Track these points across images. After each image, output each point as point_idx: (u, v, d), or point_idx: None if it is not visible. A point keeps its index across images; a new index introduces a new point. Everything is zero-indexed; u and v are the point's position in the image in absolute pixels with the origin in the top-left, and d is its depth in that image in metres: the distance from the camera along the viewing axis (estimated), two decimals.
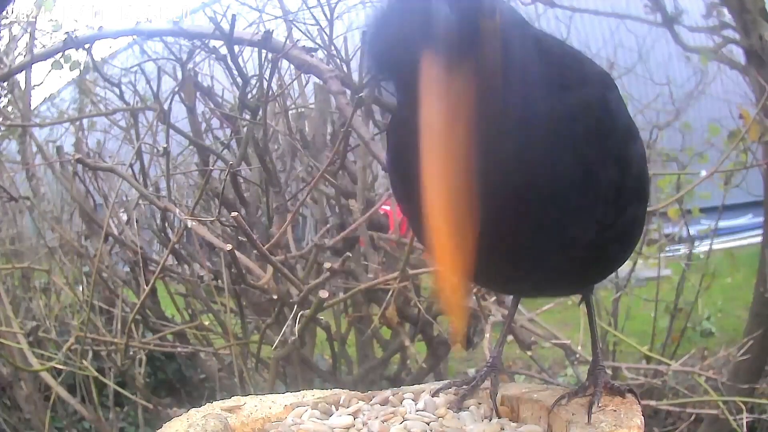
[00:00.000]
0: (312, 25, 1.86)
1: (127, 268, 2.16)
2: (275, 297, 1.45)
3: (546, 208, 0.55)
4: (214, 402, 0.70)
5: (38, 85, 2.64)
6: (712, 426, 2.14)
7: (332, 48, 1.82)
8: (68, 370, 1.86)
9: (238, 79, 1.67)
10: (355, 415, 0.67)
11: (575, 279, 0.66)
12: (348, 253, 1.17)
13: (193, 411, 0.68)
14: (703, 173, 1.92)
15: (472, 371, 2.52)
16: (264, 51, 1.54)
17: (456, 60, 0.48)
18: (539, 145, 0.53)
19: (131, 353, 1.95)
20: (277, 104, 1.86)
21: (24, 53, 2.49)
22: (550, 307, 1.82)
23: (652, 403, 1.88)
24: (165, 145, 1.50)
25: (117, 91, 2.05)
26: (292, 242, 1.69)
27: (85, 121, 2.45)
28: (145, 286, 1.56)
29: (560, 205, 0.55)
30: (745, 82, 2.31)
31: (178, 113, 1.88)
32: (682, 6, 2.41)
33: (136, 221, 2.02)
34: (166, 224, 1.94)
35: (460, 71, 0.48)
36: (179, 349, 1.95)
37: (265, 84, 1.61)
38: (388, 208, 1.95)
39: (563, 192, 0.55)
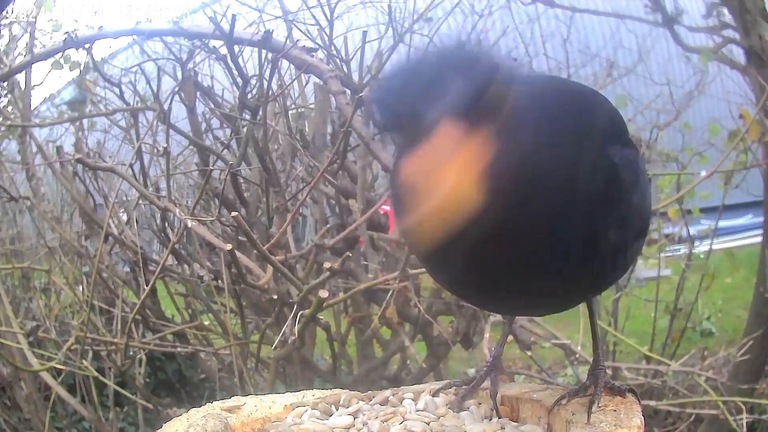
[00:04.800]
0: (312, 25, 1.86)
1: (127, 268, 2.16)
2: (275, 297, 1.45)
3: (545, 264, 0.56)
4: (214, 402, 0.70)
5: (38, 85, 2.65)
6: (712, 426, 2.14)
7: (332, 48, 1.82)
8: (68, 370, 1.86)
9: (238, 79, 1.67)
10: (355, 415, 0.67)
11: (571, 301, 0.67)
12: (348, 253, 1.16)
13: (193, 411, 0.68)
14: (703, 173, 1.92)
15: (472, 371, 2.52)
16: (264, 51, 1.54)
17: (470, 124, 0.49)
18: (542, 210, 0.53)
19: (131, 353, 1.95)
20: (277, 104, 1.86)
21: (24, 53, 2.49)
22: None
23: (652, 403, 1.89)
24: (165, 145, 1.50)
25: (117, 91, 2.05)
26: (292, 242, 1.69)
27: (85, 121, 2.45)
28: (145, 286, 1.56)
29: (558, 262, 0.56)
30: (745, 82, 2.31)
31: (178, 113, 1.88)
32: (682, 6, 2.41)
33: (136, 221, 2.02)
34: (166, 224, 1.94)
35: (471, 134, 0.49)
36: (179, 349, 1.95)
37: (265, 84, 1.61)
38: (388, 208, 1.95)
39: (561, 253, 0.56)
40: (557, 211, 0.54)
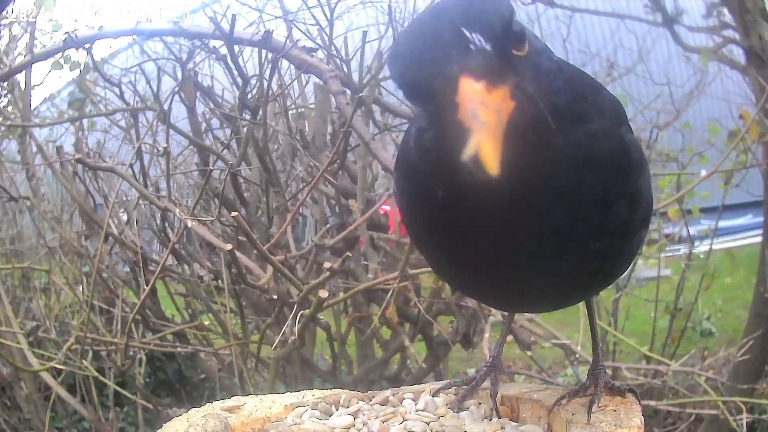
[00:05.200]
0: (312, 25, 1.86)
1: (127, 268, 2.16)
2: (275, 297, 1.45)
3: (558, 233, 0.55)
4: (214, 402, 0.70)
5: (38, 85, 2.65)
6: (712, 426, 2.14)
7: (332, 48, 1.83)
8: (68, 370, 1.86)
9: (238, 79, 1.67)
10: (355, 415, 0.67)
11: (575, 294, 0.66)
12: (348, 253, 1.16)
13: (193, 411, 0.68)
14: (703, 173, 1.92)
15: (472, 371, 2.52)
16: (264, 51, 1.54)
17: (493, 83, 0.47)
18: (559, 175, 0.53)
19: (131, 353, 1.95)
20: (277, 104, 1.86)
21: (24, 53, 2.49)
22: None
23: (652, 403, 1.89)
24: (165, 145, 1.50)
25: (117, 91, 2.05)
26: (292, 242, 1.69)
27: (85, 121, 2.45)
28: (145, 286, 1.56)
29: (571, 234, 0.56)
30: (745, 82, 2.31)
31: (178, 113, 1.88)
32: (682, 6, 2.41)
33: (136, 221, 2.02)
34: (166, 224, 1.94)
35: (497, 94, 0.47)
36: (179, 349, 1.95)
37: (265, 84, 1.61)
38: (388, 208, 1.95)
39: (575, 223, 0.55)
40: (573, 181, 0.53)
